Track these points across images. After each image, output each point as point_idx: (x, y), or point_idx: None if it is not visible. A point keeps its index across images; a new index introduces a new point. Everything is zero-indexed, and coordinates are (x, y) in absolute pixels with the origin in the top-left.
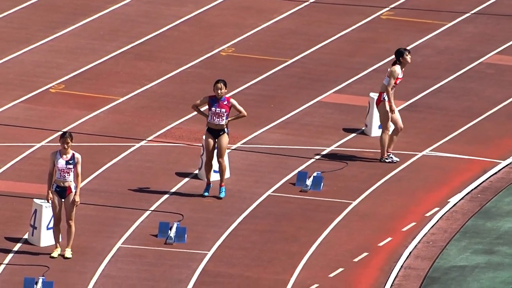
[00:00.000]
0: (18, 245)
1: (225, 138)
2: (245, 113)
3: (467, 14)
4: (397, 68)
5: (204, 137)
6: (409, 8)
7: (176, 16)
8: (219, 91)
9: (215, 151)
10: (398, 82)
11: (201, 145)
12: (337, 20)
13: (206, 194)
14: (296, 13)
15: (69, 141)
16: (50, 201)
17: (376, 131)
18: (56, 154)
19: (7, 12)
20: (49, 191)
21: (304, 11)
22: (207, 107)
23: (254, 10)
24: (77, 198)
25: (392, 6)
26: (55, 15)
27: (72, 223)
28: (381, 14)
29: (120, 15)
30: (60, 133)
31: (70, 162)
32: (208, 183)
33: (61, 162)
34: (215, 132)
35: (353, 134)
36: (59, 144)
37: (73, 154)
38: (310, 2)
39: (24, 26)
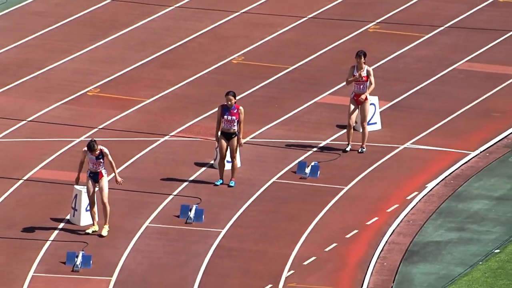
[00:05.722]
0: (61, 224)
1: (235, 141)
2: (242, 126)
3: (442, 28)
4: (350, 68)
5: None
6: (393, 22)
7: (194, 30)
8: (229, 102)
9: (228, 152)
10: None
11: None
12: (331, 33)
13: (218, 183)
14: (297, 27)
15: (95, 148)
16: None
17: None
18: (87, 152)
19: (51, 26)
20: (79, 176)
21: (303, 25)
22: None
23: (260, 25)
24: (119, 179)
25: (378, 20)
26: (92, 30)
27: (107, 203)
28: (368, 28)
29: (147, 29)
30: (86, 145)
31: (99, 157)
32: (221, 178)
33: (92, 158)
34: (228, 135)
35: (345, 130)
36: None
37: (101, 150)
38: (308, 18)
39: (66, 39)
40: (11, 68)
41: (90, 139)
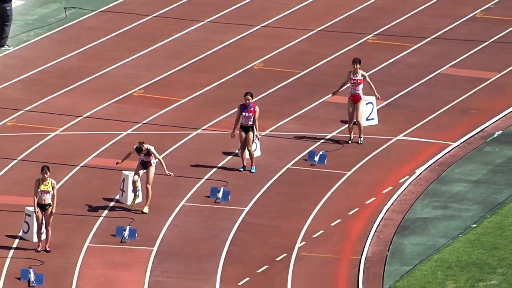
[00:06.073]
0: (111, 203)
1: (251, 133)
2: (257, 122)
3: (429, 39)
4: (348, 73)
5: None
6: (388, 34)
7: (222, 41)
8: (247, 101)
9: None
10: (352, 82)
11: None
12: (336, 43)
13: (241, 170)
14: (307, 38)
15: (142, 150)
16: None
17: (365, 122)
18: (135, 151)
19: (103, 38)
20: (122, 161)
21: (313, 37)
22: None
23: (277, 37)
24: (167, 173)
25: (375, 33)
26: (136, 41)
27: (150, 188)
28: (367, 39)
29: (183, 41)
30: (135, 148)
31: (146, 154)
32: (243, 166)
33: (141, 156)
34: (245, 129)
35: (347, 125)
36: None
37: (147, 148)
38: (317, 30)
39: (115, 49)
40: (69, 74)
41: (139, 141)
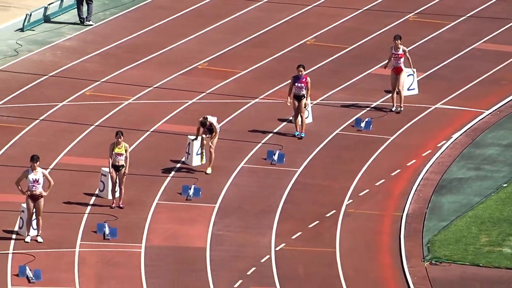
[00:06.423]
0: (178, 165)
1: (303, 101)
2: (309, 91)
3: (464, 17)
4: (390, 48)
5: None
6: (427, 13)
7: (277, 19)
8: (299, 73)
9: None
10: (394, 56)
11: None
12: (381, 21)
13: (295, 134)
14: (354, 17)
15: (206, 124)
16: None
17: (406, 92)
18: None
19: (171, 17)
20: (195, 137)
21: (359, 15)
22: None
23: (327, 15)
24: (214, 141)
25: (416, 12)
26: (201, 19)
27: (213, 152)
28: (409, 17)
29: (243, 18)
30: (200, 122)
31: (209, 128)
32: (297, 130)
33: (205, 129)
34: (298, 98)
35: (390, 94)
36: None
37: (211, 122)
38: (363, 10)
39: (182, 26)
40: (140, 48)
41: (203, 116)
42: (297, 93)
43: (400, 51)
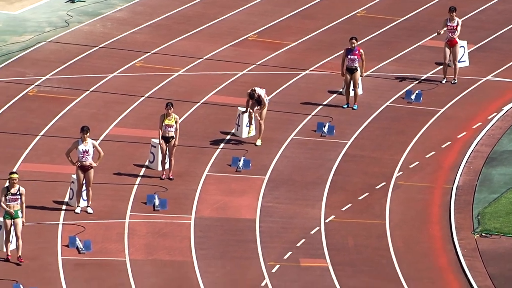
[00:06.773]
0: (228, 136)
1: (357, 74)
2: (364, 63)
3: None
4: (444, 20)
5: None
6: None
7: None
8: (352, 45)
9: (351, 83)
10: (449, 28)
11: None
12: None
13: (344, 107)
14: None
15: (255, 96)
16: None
17: (457, 64)
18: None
19: None
20: (245, 109)
21: None
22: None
23: None
24: (263, 113)
25: None
26: None
27: (262, 123)
28: None
29: None
30: (248, 94)
31: (258, 100)
32: (347, 103)
33: (254, 101)
34: (351, 70)
35: (441, 66)
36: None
37: (259, 94)
38: None
39: (227, 1)
40: (191, 20)
41: (251, 88)
42: (349, 66)
43: (455, 23)
